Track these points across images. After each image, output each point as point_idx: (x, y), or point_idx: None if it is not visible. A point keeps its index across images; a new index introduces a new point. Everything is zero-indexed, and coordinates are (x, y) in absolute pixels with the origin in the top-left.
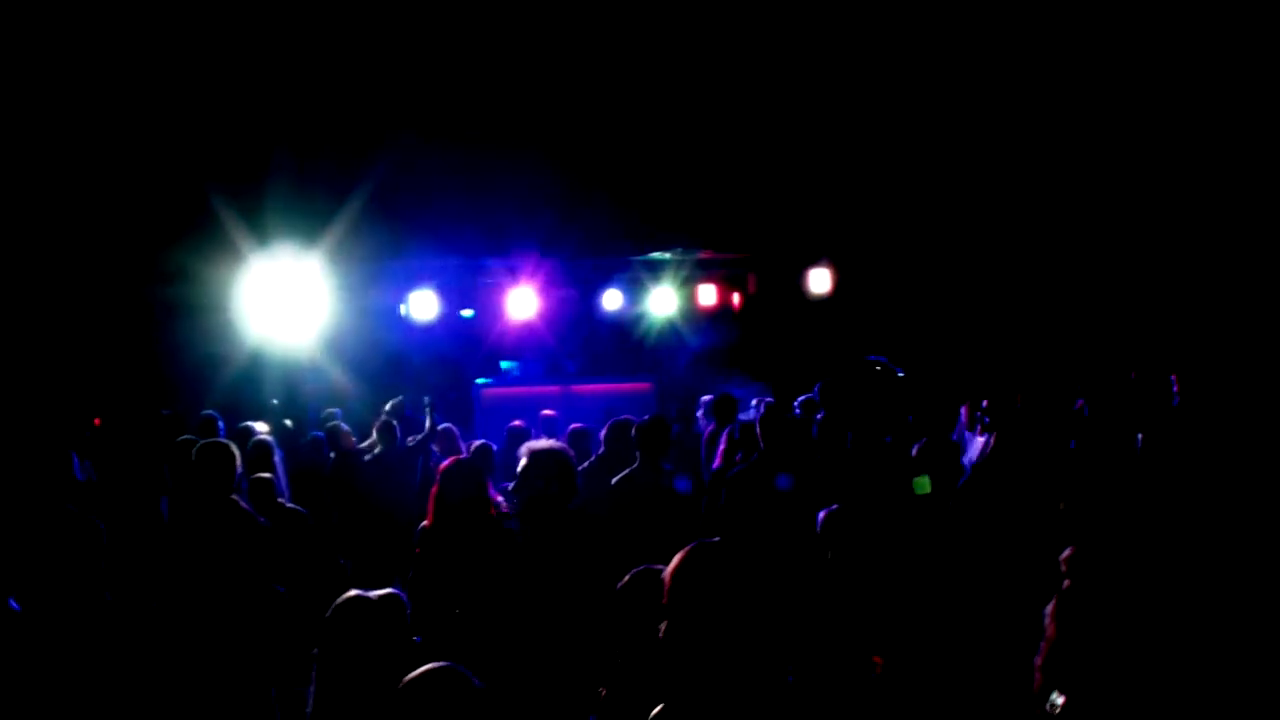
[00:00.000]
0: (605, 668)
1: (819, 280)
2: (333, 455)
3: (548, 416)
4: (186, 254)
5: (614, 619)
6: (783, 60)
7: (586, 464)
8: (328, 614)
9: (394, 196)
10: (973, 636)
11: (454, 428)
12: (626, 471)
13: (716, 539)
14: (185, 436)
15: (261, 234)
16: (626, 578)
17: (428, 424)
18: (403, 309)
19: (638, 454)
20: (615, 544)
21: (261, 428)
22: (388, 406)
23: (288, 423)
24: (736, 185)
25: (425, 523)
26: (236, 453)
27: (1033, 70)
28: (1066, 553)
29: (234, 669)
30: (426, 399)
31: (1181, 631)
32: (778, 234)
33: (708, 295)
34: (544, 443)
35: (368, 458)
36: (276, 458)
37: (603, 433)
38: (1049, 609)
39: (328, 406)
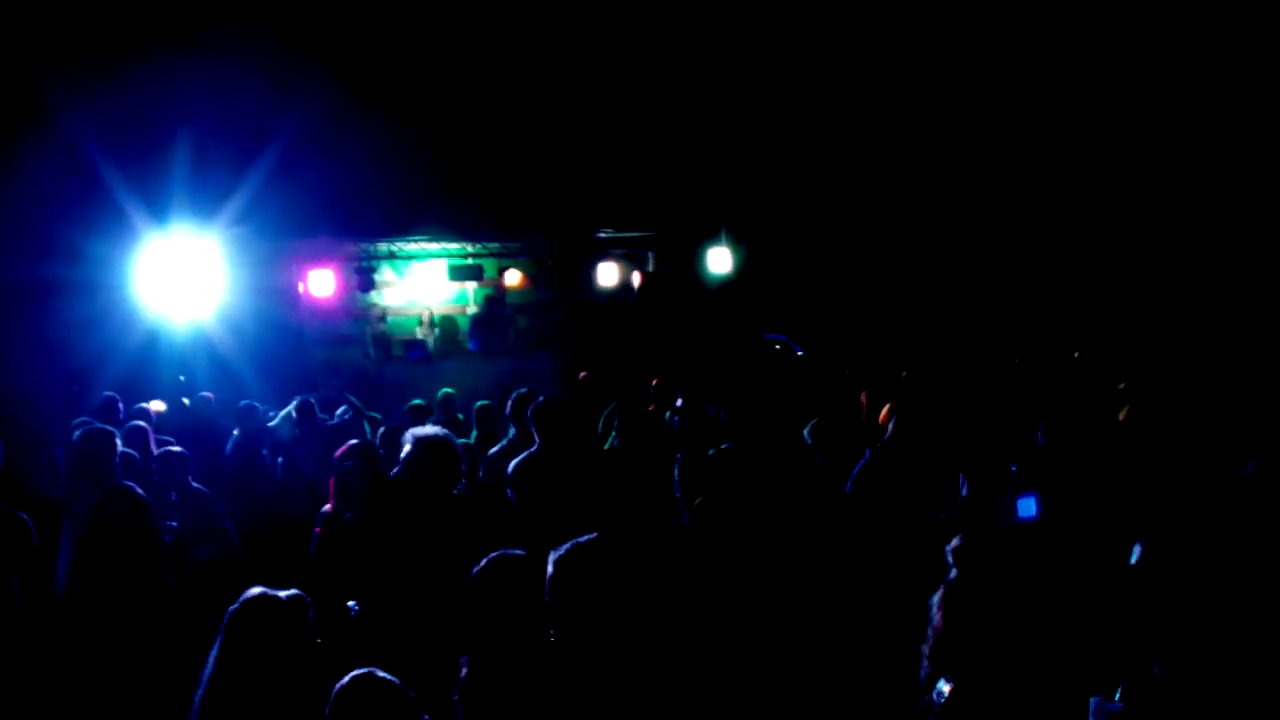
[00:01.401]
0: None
1: (719, 259)
2: (236, 434)
3: (447, 396)
4: (79, 232)
5: (471, 603)
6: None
7: (498, 447)
8: (232, 610)
9: (294, 174)
10: (860, 625)
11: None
12: (526, 455)
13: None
14: (80, 420)
15: (158, 212)
16: (483, 563)
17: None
18: (301, 287)
19: (536, 436)
20: (500, 530)
21: (158, 407)
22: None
23: (186, 401)
24: (637, 165)
25: (327, 507)
26: (118, 438)
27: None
28: (954, 543)
29: (124, 659)
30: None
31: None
32: (678, 214)
33: (608, 275)
34: (428, 429)
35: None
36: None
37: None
38: (936, 598)
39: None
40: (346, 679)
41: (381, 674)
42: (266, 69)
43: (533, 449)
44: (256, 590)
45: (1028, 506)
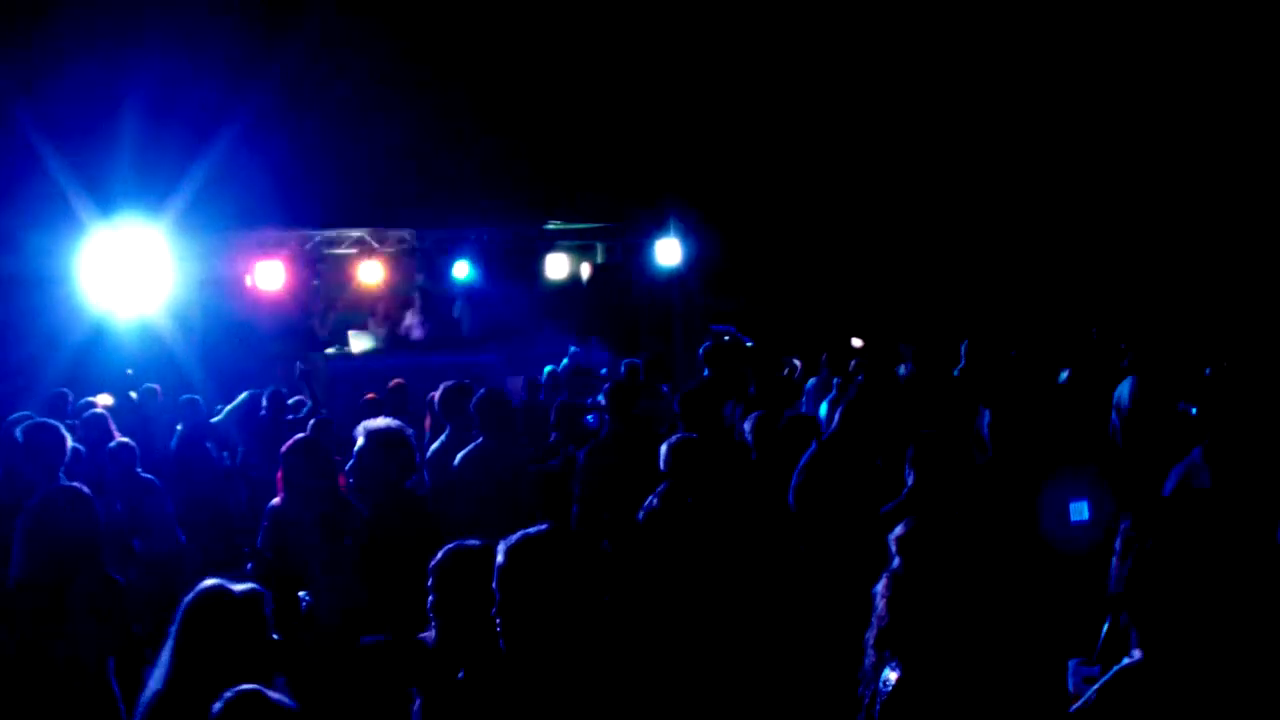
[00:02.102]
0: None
1: (667, 251)
2: (179, 428)
3: (397, 385)
4: (21, 223)
5: (429, 594)
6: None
7: (438, 442)
8: (186, 604)
9: (240, 165)
10: (806, 617)
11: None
12: (470, 449)
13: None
14: (20, 414)
15: (103, 202)
16: (439, 555)
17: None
18: (249, 279)
19: (476, 430)
20: (453, 524)
21: (105, 401)
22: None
23: (133, 395)
24: (584, 158)
25: (276, 500)
26: (66, 433)
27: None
28: (898, 531)
29: (67, 658)
30: (299, 366)
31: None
32: (627, 205)
33: (557, 266)
34: (380, 421)
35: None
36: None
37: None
38: (880, 587)
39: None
40: (228, 696)
41: (270, 695)
42: (215, 57)
43: (478, 441)
44: (211, 582)
45: (1080, 511)
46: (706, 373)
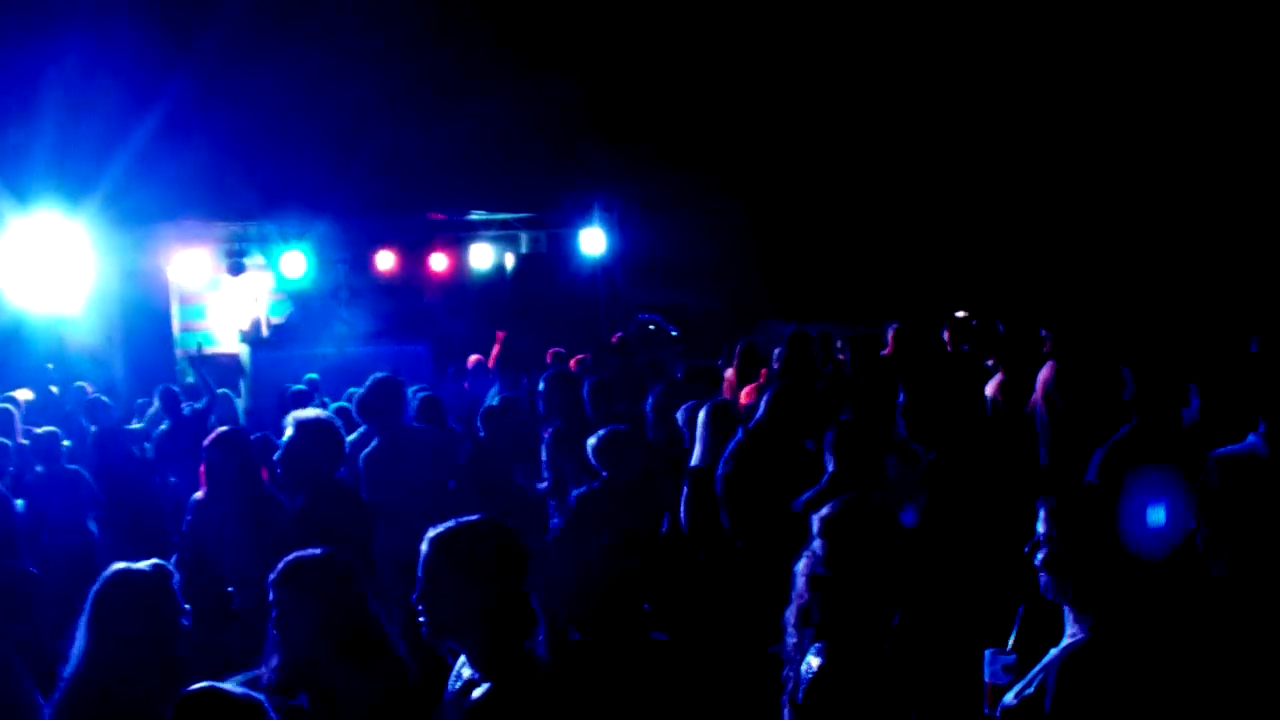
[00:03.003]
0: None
1: (592, 240)
2: (93, 429)
3: (311, 380)
4: None
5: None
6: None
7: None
8: (96, 588)
9: (161, 156)
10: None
11: (231, 394)
12: (376, 443)
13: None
14: None
15: (20, 194)
16: (281, 566)
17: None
18: (170, 273)
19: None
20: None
21: (25, 395)
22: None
23: (54, 390)
24: (508, 147)
25: (198, 494)
26: None
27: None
28: (823, 512)
29: None
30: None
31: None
32: (551, 195)
33: (482, 255)
34: (309, 412)
35: (159, 431)
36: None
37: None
38: (801, 566)
39: (92, 373)
40: (188, 692)
41: (229, 689)
42: (135, 46)
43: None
44: (118, 565)
45: (1158, 514)
46: (617, 362)
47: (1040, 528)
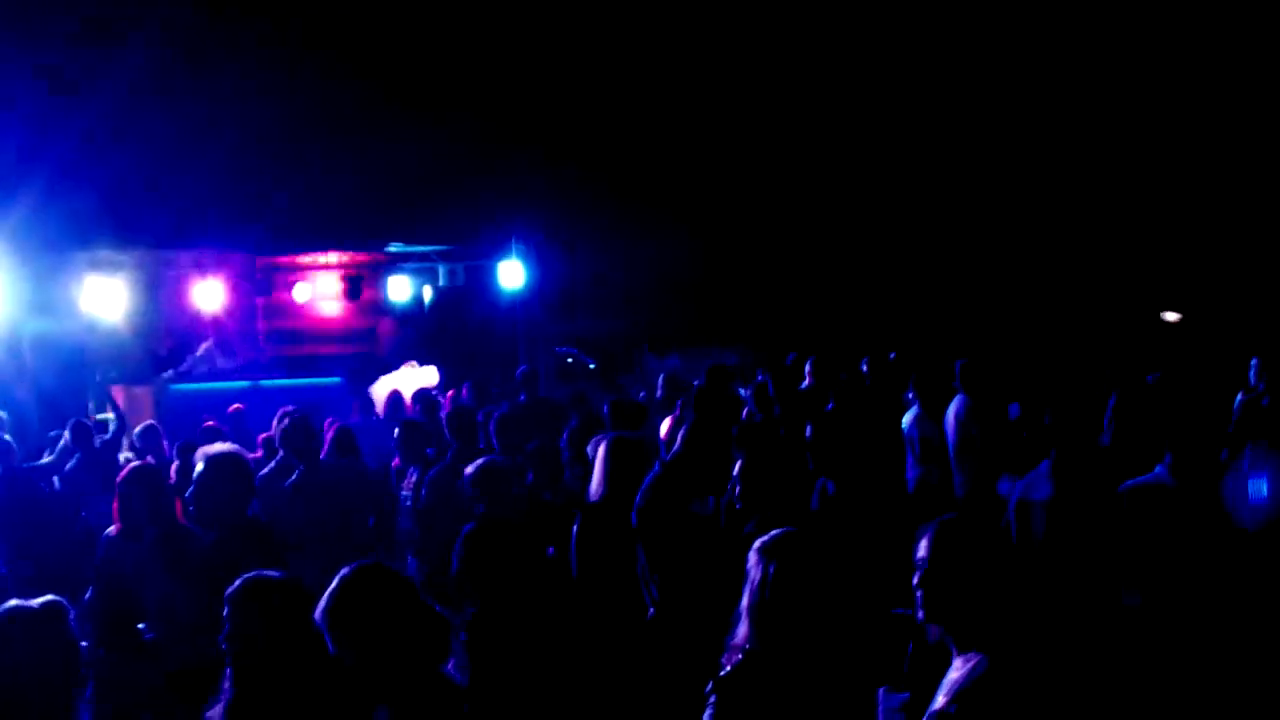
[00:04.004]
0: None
1: (510, 273)
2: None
3: (236, 411)
4: None
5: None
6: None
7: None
8: None
9: (72, 183)
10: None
11: (158, 425)
12: (300, 474)
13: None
14: None
15: None
16: (236, 584)
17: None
18: (82, 302)
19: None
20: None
21: None
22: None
23: None
24: (426, 180)
25: (111, 529)
26: None
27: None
28: (760, 541)
29: None
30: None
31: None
32: (470, 228)
33: (399, 288)
34: (218, 447)
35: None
36: None
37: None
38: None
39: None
40: None
41: None
42: (41, 75)
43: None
44: (9, 604)
45: (1259, 489)
46: (523, 397)
47: (919, 555)
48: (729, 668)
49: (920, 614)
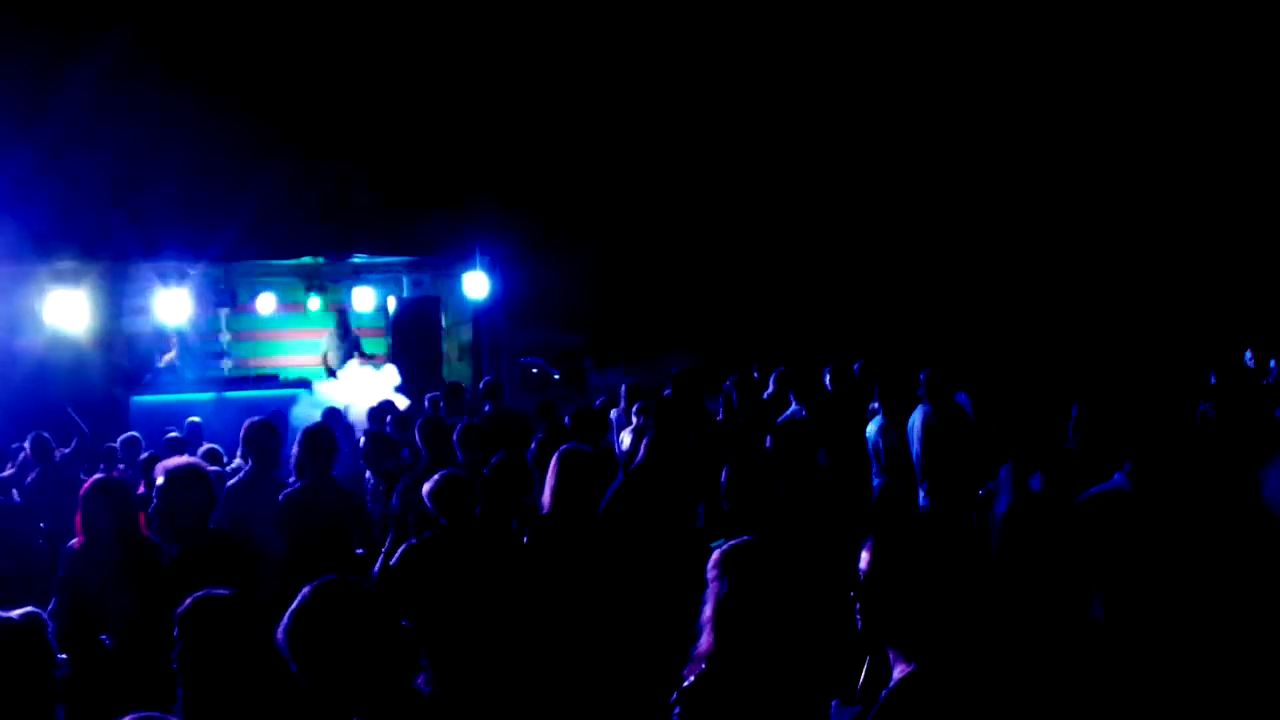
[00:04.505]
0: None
1: (474, 284)
2: None
3: (194, 423)
4: None
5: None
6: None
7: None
8: None
9: (36, 192)
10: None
11: (139, 436)
12: (298, 486)
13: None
14: None
15: None
16: (185, 603)
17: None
18: (45, 314)
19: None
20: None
21: None
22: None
23: None
24: (390, 189)
25: (74, 542)
26: None
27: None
28: (719, 552)
29: None
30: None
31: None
32: (434, 238)
33: (364, 299)
34: (178, 459)
35: (30, 479)
36: None
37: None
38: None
39: None
40: None
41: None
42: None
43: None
44: None
45: None
46: (488, 407)
47: (860, 566)
48: (692, 678)
49: (860, 624)
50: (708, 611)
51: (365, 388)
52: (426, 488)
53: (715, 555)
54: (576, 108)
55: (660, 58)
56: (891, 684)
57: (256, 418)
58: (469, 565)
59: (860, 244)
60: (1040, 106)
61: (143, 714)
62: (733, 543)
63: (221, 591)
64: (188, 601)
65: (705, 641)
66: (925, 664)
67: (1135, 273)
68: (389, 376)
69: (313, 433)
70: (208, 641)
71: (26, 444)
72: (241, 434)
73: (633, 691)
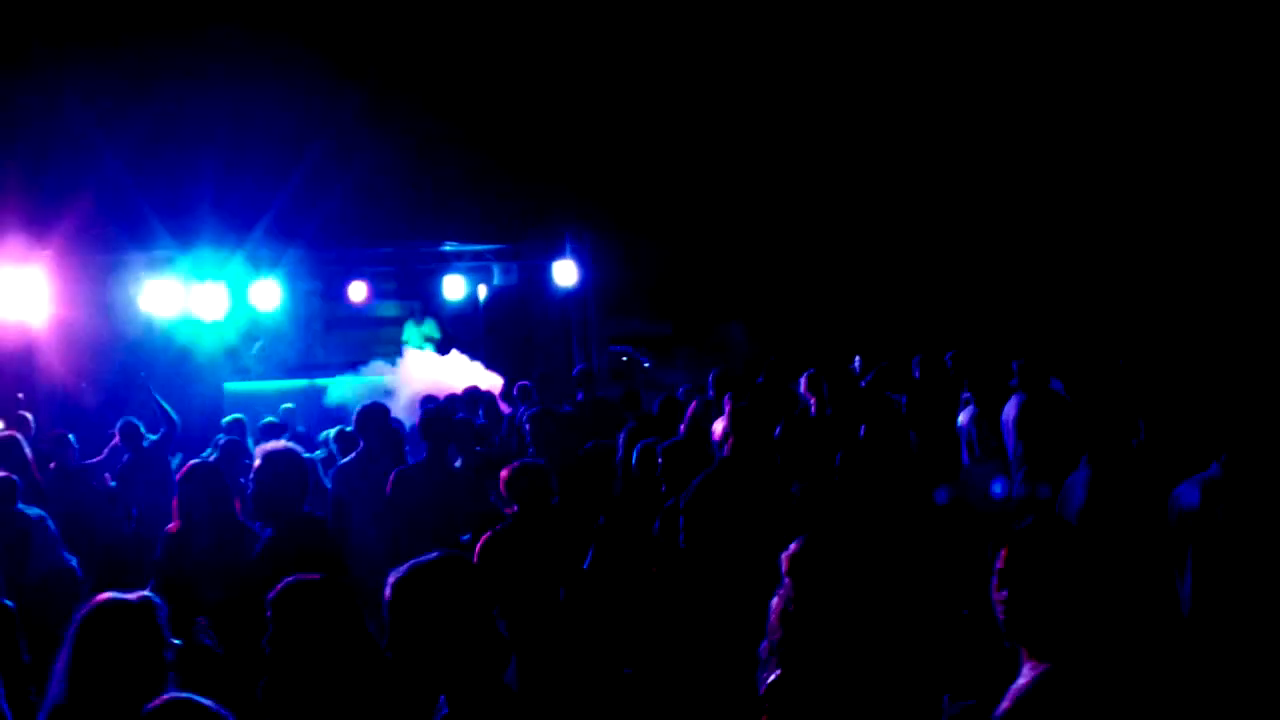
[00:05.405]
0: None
1: (565, 272)
2: (53, 467)
3: (289, 410)
4: None
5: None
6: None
7: (347, 459)
8: (81, 615)
9: (133, 183)
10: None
11: (244, 419)
12: (407, 466)
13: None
14: None
15: None
16: (277, 588)
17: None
18: (140, 301)
19: (425, 447)
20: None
21: None
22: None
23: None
24: (481, 178)
25: (171, 526)
26: None
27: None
28: (790, 549)
29: None
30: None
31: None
32: (524, 227)
33: (454, 287)
34: (275, 444)
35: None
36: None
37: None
38: (774, 602)
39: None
40: (157, 702)
41: (199, 700)
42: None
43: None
44: (105, 595)
45: None
46: (580, 395)
47: (997, 565)
48: (776, 674)
49: (1001, 626)
50: (776, 607)
51: (442, 373)
52: (503, 475)
53: (784, 554)
54: (667, 93)
55: (759, 46)
56: (1023, 682)
57: (370, 401)
58: (538, 555)
59: (949, 235)
60: (1138, 93)
61: (179, 694)
62: (799, 542)
63: (313, 576)
64: (280, 586)
65: (779, 638)
66: (1062, 664)
67: (1220, 264)
68: (460, 363)
69: (431, 414)
70: (299, 626)
71: (116, 430)
72: (354, 418)
73: (715, 689)
